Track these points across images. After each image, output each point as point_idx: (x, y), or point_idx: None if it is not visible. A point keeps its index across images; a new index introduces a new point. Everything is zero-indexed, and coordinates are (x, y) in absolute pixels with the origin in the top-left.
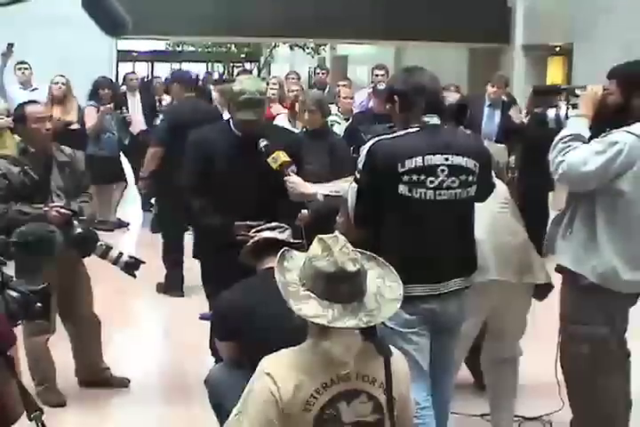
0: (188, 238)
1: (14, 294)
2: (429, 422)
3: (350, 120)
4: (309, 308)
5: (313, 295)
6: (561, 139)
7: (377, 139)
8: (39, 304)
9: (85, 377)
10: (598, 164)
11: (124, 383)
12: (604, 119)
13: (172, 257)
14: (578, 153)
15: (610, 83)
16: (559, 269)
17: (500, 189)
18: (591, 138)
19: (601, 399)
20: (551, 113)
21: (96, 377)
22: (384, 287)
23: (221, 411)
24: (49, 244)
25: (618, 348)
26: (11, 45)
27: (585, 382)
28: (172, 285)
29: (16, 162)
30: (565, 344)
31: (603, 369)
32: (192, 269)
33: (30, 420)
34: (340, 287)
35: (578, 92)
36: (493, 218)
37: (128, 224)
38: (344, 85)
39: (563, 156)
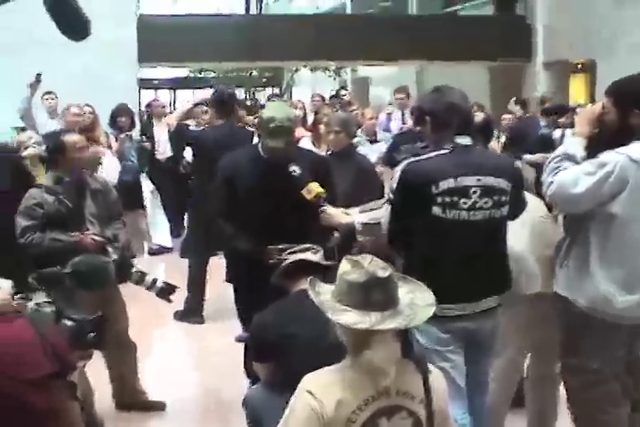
0: (217, 263)
1: (69, 323)
2: None
3: (390, 143)
4: (348, 317)
5: (349, 308)
6: (553, 159)
7: (410, 160)
8: (93, 334)
9: (122, 401)
10: (588, 185)
11: (160, 407)
12: (604, 138)
13: (197, 283)
14: (568, 174)
15: (607, 100)
16: (556, 296)
17: (538, 203)
18: (591, 157)
19: None
20: (557, 133)
21: (133, 400)
22: (416, 298)
23: None
24: (104, 274)
25: (616, 380)
26: (39, 75)
27: (581, 415)
28: (193, 311)
29: (50, 191)
30: (562, 375)
31: (597, 404)
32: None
33: None
34: (375, 295)
35: (578, 110)
36: (536, 232)
37: (171, 249)
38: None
39: (553, 176)
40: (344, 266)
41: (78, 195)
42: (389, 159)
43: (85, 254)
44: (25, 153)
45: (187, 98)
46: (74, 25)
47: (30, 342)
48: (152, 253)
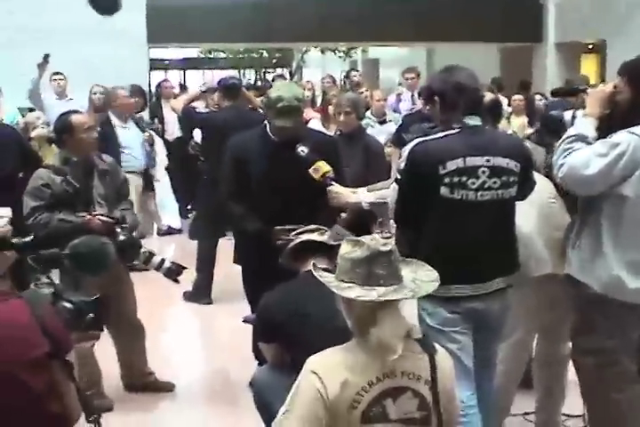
0: (225, 245)
1: (67, 304)
2: (475, 421)
3: (400, 124)
4: (354, 291)
5: (354, 285)
6: (564, 140)
7: (418, 140)
8: (91, 315)
9: (131, 382)
10: (600, 167)
11: (169, 387)
12: (616, 119)
13: (206, 264)
14: (579, 155)
15: (620, 80)
16: (568, 278)
17: (547, 184)
18: (602, 138)
19: (612, 413)
20: (567, 115)
21: (141, 382)
22: (419, 275)
23: (267, 412)
24: (103, 256)
25: (630, 362)
26: (47, 56)
27: (594, 395)
28: (202, 292)
29: (58, 171)
30: (573, 356)
31: (612, 383)
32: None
33: (88, 422)
34: (378, 269)
35: (588, 91)
36: (544, 213)
37: (180, 230)
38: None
39: (564, 158)
40: (344, 247)
41: (86, 175)
42: (399, 140)
43: (85, 236)
44: (33, 134)
45: (197, 78)
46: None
47: (26, 322)
48: (161, 234)
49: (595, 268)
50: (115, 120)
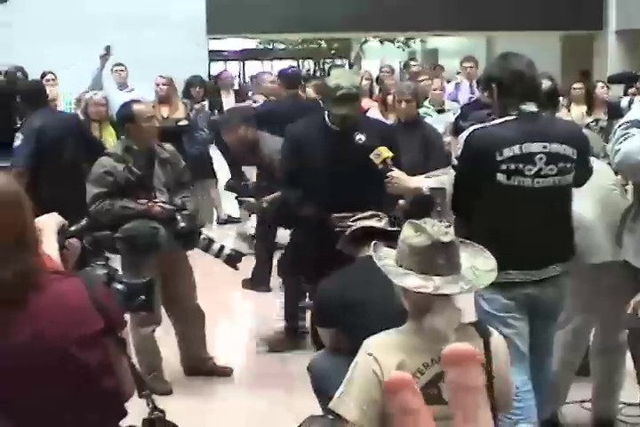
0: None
1: (119, 286)
2: (530, 406)
3: (458, 113)
4: (411, 281)
5: (411, 272)
6: (620, 126)
7: (475, 127)
8: (143, 297)
9: (190, 366)
10: None
11: (227, 372)
12: None
13: (265, 252)
14: (635, 141)
15: None
16: (625, 264)
17: (607, 170)
18: None
19: None
20: (625, 101)
21: (200, 366)
22: (478, 262)
23: (325, 397)
24: (152, 239)
25: None
26: (108, 47)
27: None
28: (260, 280)
29: (120, 159)
30: (631, 343)
31: None
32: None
33: (140, 397)
34: (437, 259)
35: None
36: (605, 199)
37: (239, 219)
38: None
39: (620, 144)
40: (407, 230)
41: (147, 163)
42: (457, 129)
43: (136, 220)
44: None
45: (256, 69)
46: None
47: (82, 299)
48: (220, 222)
49: None
50: None
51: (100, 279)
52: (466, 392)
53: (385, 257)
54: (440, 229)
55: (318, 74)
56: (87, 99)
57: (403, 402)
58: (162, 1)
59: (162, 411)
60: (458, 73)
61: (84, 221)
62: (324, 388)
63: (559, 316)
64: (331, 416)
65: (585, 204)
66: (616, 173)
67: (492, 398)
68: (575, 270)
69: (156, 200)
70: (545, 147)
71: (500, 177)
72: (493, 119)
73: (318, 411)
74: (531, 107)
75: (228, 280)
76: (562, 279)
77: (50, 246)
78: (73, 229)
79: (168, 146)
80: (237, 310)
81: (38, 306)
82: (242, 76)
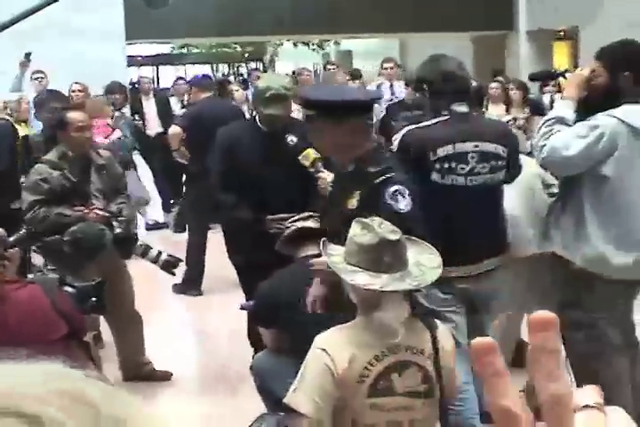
0: (212, 237)
1: (70, 289)
2: (472, 398)
3: (384, 111)
4: (360, 278)
5: (359, 269)
6: (544, 122)
7: (408, 128)
8: (94, 299)
9: (129, 371)
10: (580, 148)
11: (166, 376)
12: (594, 102)
13: (196, 256)
14: (560, 137)
15: (597, 64)
16: (554, 255)
17: (530, 165)
18: (580, 121)
19: (600, 386)
20: (546, 99)
21: (139, 371)
22: (423, 259)
23: (269, 396)
24: (99, 241)
25: (619, 335)
26: (28, 55)
27: (582, 368)
28: (192, 284)
29: (55, 166)
30: (562, 331)
31: (599, 357)
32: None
33: None
34: (384, 257)
35: (567, 75)
36: (530, 194)
37: (166, 224)
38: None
39: (545, 140)
40: (354, 228)
41: (83, 170)
42: (383, 128)
43: (82, 223)
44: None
45: (170, 74)
46: None
47: (45, 305)
48: (147, 228)
49: (579, 245)
50: None
51: (55, 284)
52: (550, 355)
53: (334, 254)
54: (387, 226)
55: (233, 78)
56: (17, 100)
57: (490, 365)
58: (81, 7)
59: None
60: (379, 75)
61: (23, 230)
62: (268, 387)
63: (494, 308)
64: (282, 413)
65: (509, 199)
66: (545, 169)
67: (442, 388)
68: (507, 263)
69: (92, 207)
70: (477, 146)
71: (435, 176)
72: (425, 120)
73: (264, 409)
74: (462, 107)
75: (163, 285)
76: (495, 273)
77: None
78: (13, 238)
79: (104, 152)
80: (171, 315)
81: (4, 317)
82: (156, 81)
